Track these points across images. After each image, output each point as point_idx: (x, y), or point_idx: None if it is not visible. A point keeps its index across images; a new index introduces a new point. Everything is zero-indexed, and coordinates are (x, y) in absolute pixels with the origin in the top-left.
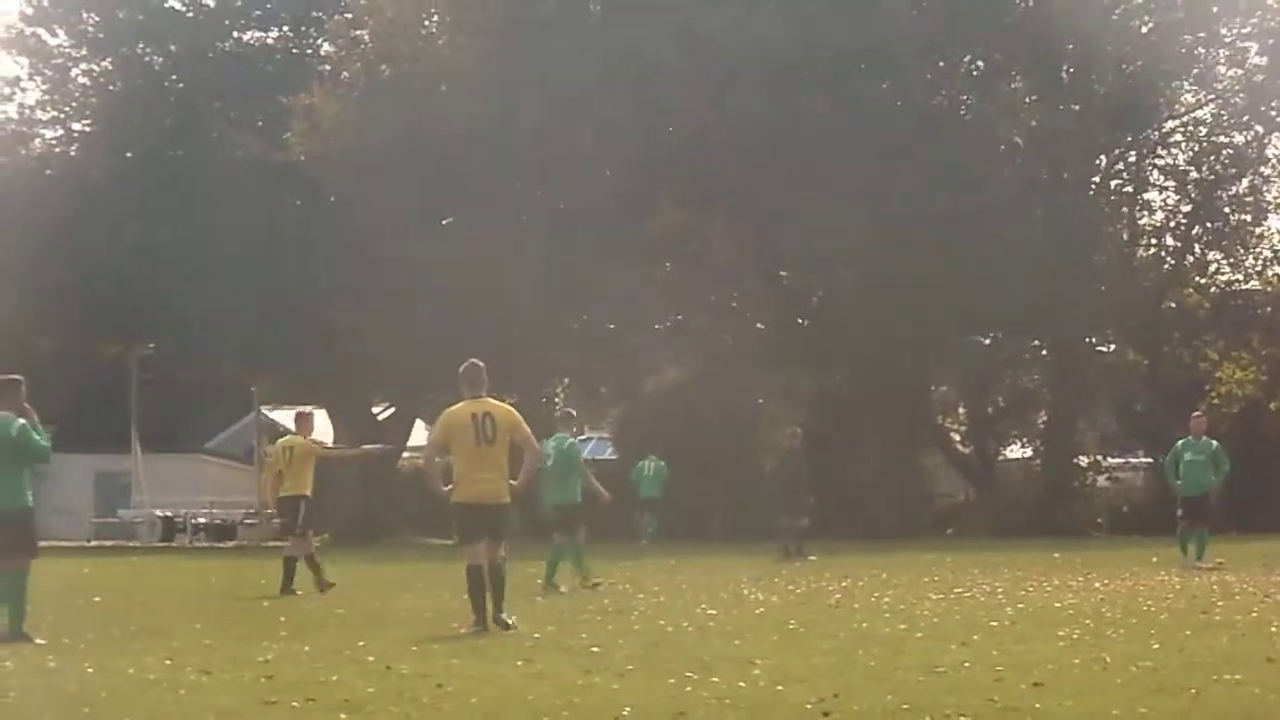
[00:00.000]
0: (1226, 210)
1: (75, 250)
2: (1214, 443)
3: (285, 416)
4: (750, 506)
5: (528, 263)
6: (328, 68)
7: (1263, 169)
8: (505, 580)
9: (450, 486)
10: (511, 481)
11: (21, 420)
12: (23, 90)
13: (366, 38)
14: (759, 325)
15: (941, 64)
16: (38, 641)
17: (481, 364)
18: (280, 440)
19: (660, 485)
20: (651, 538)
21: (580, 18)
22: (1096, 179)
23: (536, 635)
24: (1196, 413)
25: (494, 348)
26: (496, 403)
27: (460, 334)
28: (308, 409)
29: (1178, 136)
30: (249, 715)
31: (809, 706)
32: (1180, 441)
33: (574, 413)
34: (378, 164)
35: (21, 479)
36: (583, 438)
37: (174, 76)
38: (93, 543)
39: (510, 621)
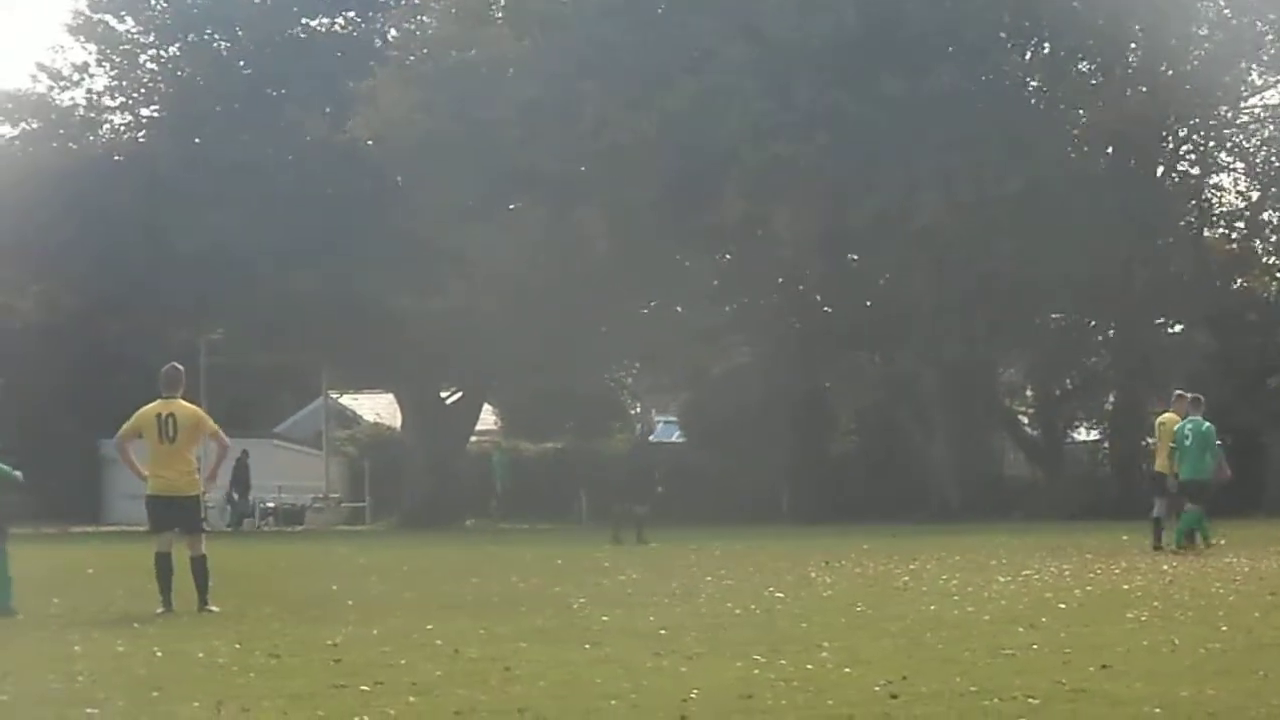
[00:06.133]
0: None
1: (144, 235)
2: None
3: (353, 401)
4: (819, 487)
5: (591, 248)
6: (394, 53)
7: None
8: (208, 573)
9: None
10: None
11: None
12: (91, 77)
13: (432, 23)
14: (826, 309)
15: (1010, 46)
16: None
17: (180, 367)
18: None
19: None
20: None
21: (643, 5)
22: (1164, 161)
23: (605, 618)
24: None
25: (559, 331)
26: (183, 403)
27: (526, 318)
28: None
29: (1245, 118)
30: (318, 698)
31: (877, 689)
32: None
33: (1201, 398)
34: (441, 149)
35: None
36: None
37: (241, 63)
38: None
39: (214, 610)
